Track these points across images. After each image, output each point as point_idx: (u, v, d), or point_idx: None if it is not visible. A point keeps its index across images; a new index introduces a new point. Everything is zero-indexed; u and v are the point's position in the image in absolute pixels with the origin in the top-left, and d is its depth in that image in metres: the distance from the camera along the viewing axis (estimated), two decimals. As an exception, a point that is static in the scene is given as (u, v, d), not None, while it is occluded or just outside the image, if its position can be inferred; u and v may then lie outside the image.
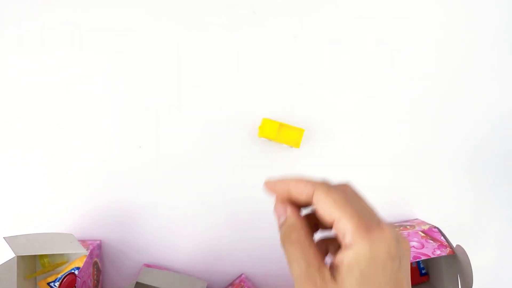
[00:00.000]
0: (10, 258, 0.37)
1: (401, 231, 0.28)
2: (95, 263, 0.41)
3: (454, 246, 0.41)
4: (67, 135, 0.44)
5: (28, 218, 0.44)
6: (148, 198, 0.45)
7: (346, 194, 0.27)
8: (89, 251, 0.38)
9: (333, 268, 0.26)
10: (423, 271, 0.48)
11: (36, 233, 0.36)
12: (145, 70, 0.44)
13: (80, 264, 0.39)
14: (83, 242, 0.42)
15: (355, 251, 0.25)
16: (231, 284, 0.46)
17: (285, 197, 0.30)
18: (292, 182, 0.29)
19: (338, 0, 0.46)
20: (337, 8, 0.46)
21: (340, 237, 0.26)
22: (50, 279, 0.41)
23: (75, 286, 0.38)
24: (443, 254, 0.40)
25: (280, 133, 0.43)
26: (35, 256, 0.40)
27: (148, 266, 0.44)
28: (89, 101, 0.44)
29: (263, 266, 0.47)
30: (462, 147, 0.49)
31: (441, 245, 0.41)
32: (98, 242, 0.43)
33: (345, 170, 0.47)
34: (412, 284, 0.48)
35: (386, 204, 0.48)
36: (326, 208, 0.27)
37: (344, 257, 0.25)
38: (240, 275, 0.47)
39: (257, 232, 0.47)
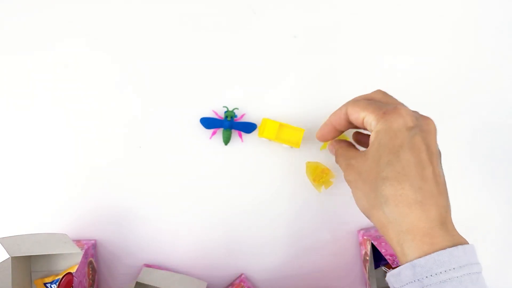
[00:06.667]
0: (4, 259, 0.35)
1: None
2: (90, 263, 0.39)
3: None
4: (63, 135, 0.42)
5: (22, 219, 0.41)
6: (147, 198, 0.43)
7: (371, 100, 0.32)
8: (84, 251, 0.36)
9: None
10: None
11: (29, 234, 0.34)
12: (143, 70, 0.42)
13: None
14: (77, 242, 0.40)
15: (375, 131, 0.30)
16: (231, 284, 0.44)
17: (335, 132, 0.36)
18: (330, 118, 0.35)
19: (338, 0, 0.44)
20: (338, 8, 0.44)
21: (369, 130, 0.31)
22: (47, 280, 0.39)
23: (72, 286, 0.35)
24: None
25: (280, 133, 0.41)
26: (29, 256, 0.38)
27: (148, 266, 0.42)
28: (87, 101, 0.42)
29: (263, 266, 0.45)
30: (462, 146, 0.46)
31: (442, 246, 0.38)
32: (93, 241, 0.41)
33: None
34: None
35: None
36: (355, 115, 0.32)
37: (370, 139, 0.30)
38: (240, 275, 0.44)
39: (257, 231, 0.45)
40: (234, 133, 0.43)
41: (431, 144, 0.30)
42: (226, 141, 0.43)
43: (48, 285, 0.38)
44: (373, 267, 0.44)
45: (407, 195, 0.28)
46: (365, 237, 0.43)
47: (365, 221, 0.45)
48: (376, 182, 0.29)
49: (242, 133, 0.43)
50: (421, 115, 0.31)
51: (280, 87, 0.44)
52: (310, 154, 0.44)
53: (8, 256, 0.34)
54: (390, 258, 0.38)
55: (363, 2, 0.44)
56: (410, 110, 0.30)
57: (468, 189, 0.47)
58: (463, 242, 0.27)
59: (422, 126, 0.30)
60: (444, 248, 0.26)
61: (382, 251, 0.39)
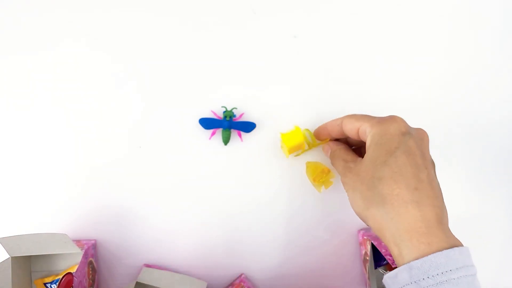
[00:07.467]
0: (4, 259, 0.34)
1: None
2: (90, 263, 0.39)
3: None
4: (63, 135, 0.41)
5: (22, 219, 0.41)
6: (147, 198, 0.42)
7: (369, 115, 0.33)
8: (84, 251, 0.36)
9: None
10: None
11: (29, 234, 0.34)
12: (143, 70, 0.42)
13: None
14: (77, 242, 0.40)
15: (371, 134, 0.31)
16: (231, 284, 0.44)
17: (328, 137, 0.38)
18: (326, 124, 0.37)
19: None
20: (338, 7, 0.43)
21: (364, 139, 0.32)
22: (47, 280, 0.38)
23: (72, 286, 0.35)
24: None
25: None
26: (29, 256, 0.38)
27: (148, 266, 0.42)
28: (87, 101, 0.41)
29: (263, 266, 0.45)
30: (462, 145, 0.46)
31: (442, 246, 0.38)
32: (93, 241, 0.41)
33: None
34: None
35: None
36: (349, 125, 0.33)
37: (366, 143, 0.31)
38: (240, 275, 0.44)
39: (257, 231, 0.44)
40: (234, 133, 0.43)
41: (425, 151, 0.30)
42: (226, 141, 0.42)
43: (48, 285, 0.38)
44: (373, 267, 0.44)
45: (403, 194, 0.28)
46: (365, 237, 0.43)
47: (365, 221, 0.45)
48: (373, 182, 0.29)
49: (242, 133, 0.43)
50: (416, 128, 0.32)
51: (280, 87, 0.43)
52: (310, 154, 0.44)
53: (8, 256, 0.34)
54: (390, 258, 0.37)
55: (363, 2, 0.44)
56: (403, 120, 0.31)
57: (467, 190, 0.46)
58: (459, 244, 0.27)
59: (415, 134, 0.31)
60: (441, 250, 0.26)
61: (382, 251, 0.38)
